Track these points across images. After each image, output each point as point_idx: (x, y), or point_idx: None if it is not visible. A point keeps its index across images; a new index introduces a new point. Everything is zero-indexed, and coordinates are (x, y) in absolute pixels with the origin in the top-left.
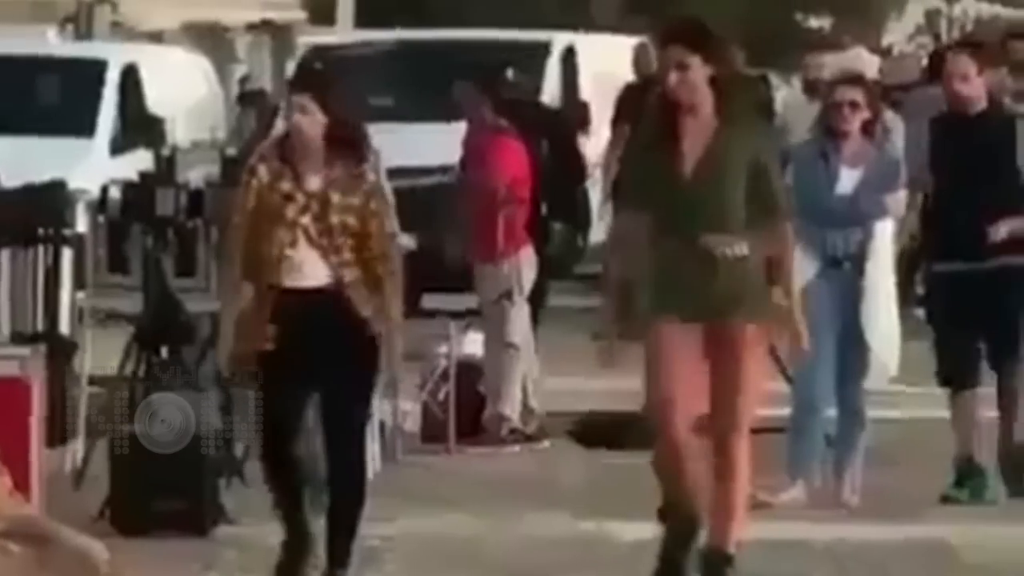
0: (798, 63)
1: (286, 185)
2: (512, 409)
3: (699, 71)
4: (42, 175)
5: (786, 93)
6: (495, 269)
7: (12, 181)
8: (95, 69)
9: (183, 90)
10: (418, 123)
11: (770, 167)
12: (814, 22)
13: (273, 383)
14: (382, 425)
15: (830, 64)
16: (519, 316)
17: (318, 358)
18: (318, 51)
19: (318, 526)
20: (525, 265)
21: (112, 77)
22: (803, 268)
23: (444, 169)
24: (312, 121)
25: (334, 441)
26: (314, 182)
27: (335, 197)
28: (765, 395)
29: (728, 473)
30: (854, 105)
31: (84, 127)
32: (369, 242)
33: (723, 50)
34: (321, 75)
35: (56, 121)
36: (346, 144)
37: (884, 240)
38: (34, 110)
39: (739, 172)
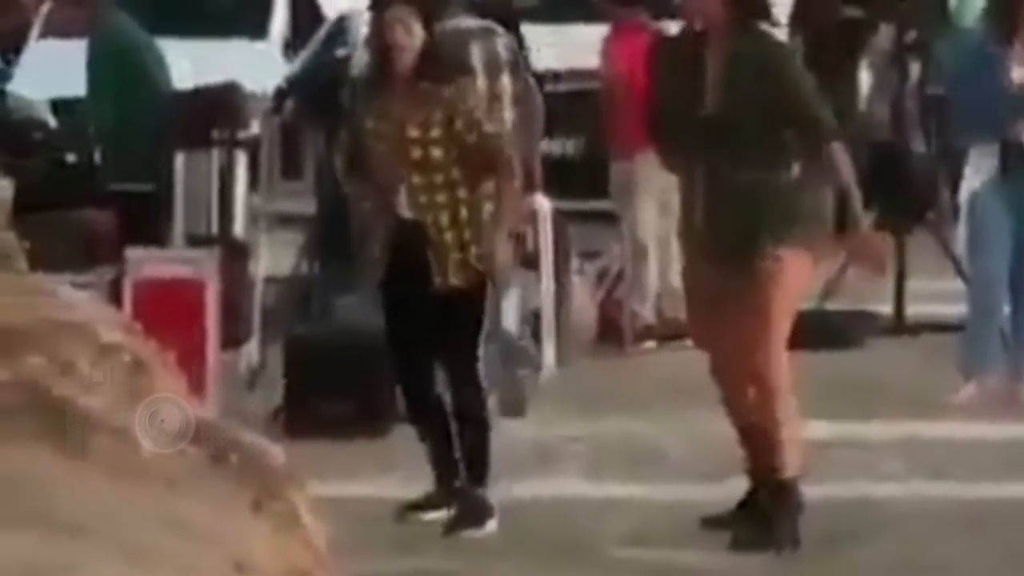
0: None
1: None
2: (645, 306)
3: None
4: (216, 78)
5: None
6: (622, 165)
7: (186, 84)
8: None
9: None
10: (565, 24)
11: (786, 81)
12: None
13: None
14: (558, 326)
15: None
16: (646, 212)
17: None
18: None
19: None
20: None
21: None
22: (977, 169)
23: (590, 73)
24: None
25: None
26: None
27: None
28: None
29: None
30: None
31: (257, 29)
32: None
33: None
34: None
35: (229, 24)
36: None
37: None
38: (208, 13)
39: (751, 94)
